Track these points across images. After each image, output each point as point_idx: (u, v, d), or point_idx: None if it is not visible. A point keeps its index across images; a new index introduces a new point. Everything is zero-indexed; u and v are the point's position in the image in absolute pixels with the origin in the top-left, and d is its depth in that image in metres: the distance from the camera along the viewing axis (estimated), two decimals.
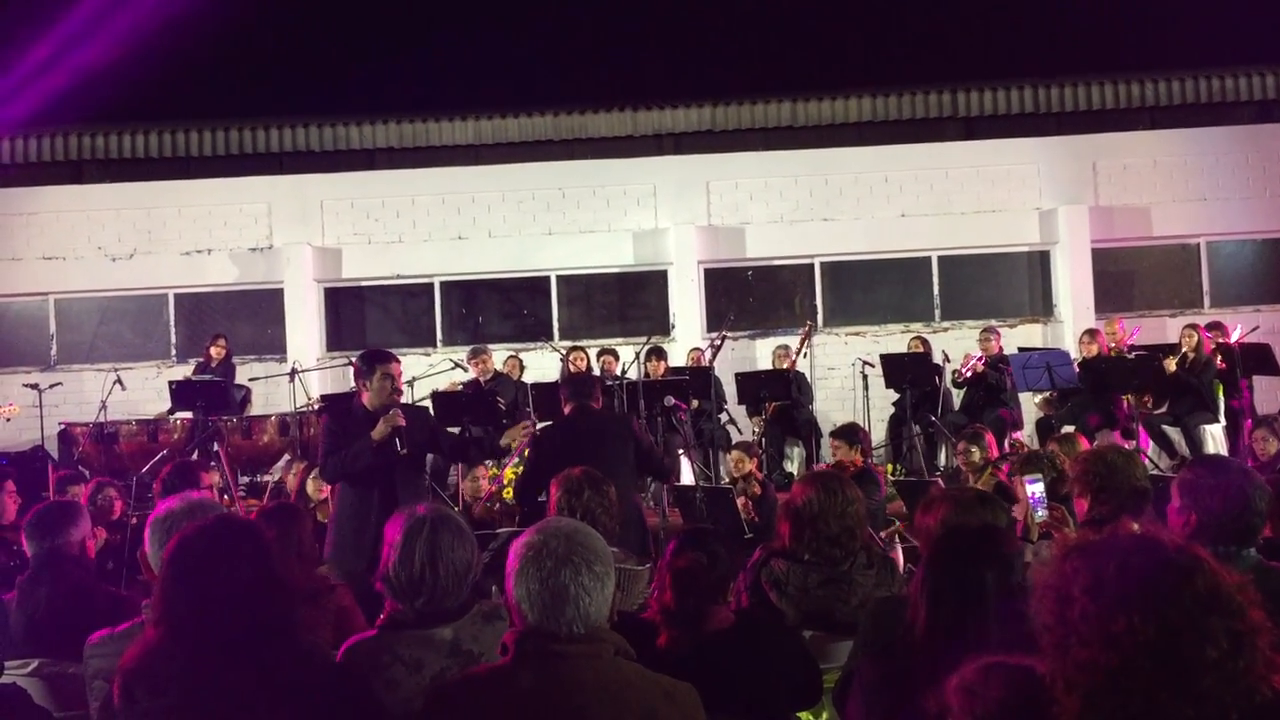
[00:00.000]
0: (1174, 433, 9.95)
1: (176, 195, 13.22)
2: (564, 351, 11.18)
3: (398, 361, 5.78)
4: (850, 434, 7.02)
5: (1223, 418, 10.02)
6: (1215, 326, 10.83)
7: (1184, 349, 10.16)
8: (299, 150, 13.96)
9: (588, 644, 2.39)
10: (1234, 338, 10.41)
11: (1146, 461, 8.42)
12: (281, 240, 13.11)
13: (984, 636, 2.40)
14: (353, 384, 6.00)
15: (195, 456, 9.79)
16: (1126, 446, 7.59)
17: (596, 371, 10.85)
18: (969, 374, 10.71)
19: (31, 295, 13.20)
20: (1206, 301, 13.06)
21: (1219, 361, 10.12)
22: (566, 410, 6.18)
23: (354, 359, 6.07)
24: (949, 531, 2.99)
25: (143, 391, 12.31)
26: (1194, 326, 10.38)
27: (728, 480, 8.56)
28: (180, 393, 10.51)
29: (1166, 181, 13.05)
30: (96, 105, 13.16)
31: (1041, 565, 1.77)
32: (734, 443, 9.66)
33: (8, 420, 10.81)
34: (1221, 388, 10.11)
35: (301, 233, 13.10)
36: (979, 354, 10.85)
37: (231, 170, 13.65)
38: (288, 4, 14.11)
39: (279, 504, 5.16)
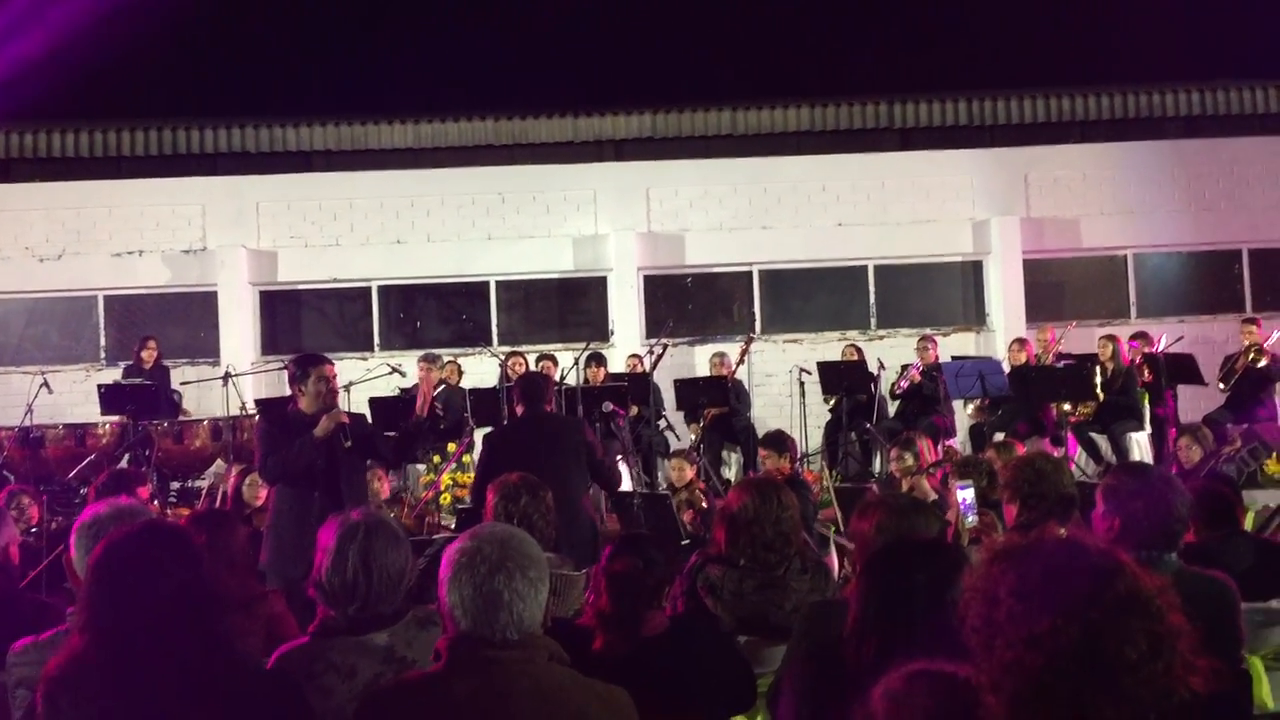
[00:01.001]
0: (1101, 440, 10.16)
1: (107, 195, 12.96)
2: (503, 357, 11.14)
3: (331, 364, 5.73)
4: (778, 442, 7.08)
5: (1148, 425, 10.25)
6: (1141, 336, 11.06)
7: (1101, 359, 10.38)
8: (234, 151, 13.77)
9: (521, 649, 2.40)
10: (1159, 348, 10.66)
11: (1074, 468, 8.60)
12: (215, 242, 12.91)
13: (916, 644, 2.43)
14: (288, 389, 5.92)
15: (126, 461, 9.62)
16: (1055, 453, 7.74)
17: None
18: (906, 385, 10.85)
19: None
20: (1133, 312, 13.35)
21: (1145, 371, 10.35)
22: (519, 411, 6.16)
23: (288, 363, 6.00)
24: (888, 540, 3.03)
25: (71, 395, 12.04)
26: (1110, 337, 10.60)
27: (666, 487, 8.58)
28: (110, 396, 10.30)
29: (1096, 194, 13.33)
30: (25, 102, 12.86)
31: (970, 569, 1.81)
32: (672, 450, 9.69)
33: None
34: (1147, 396, 10.35)
35: (236, 235, 12.91)
36: (916, 363, 10.98)
37: (164, 170, 13.42)
38: (224, 3, 13.92)
39: (209, 509, 5.08)
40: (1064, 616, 1.63)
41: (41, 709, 2.40)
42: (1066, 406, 9.99)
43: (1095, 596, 1.64)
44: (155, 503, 7.91)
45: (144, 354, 11.40)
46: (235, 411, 10.60)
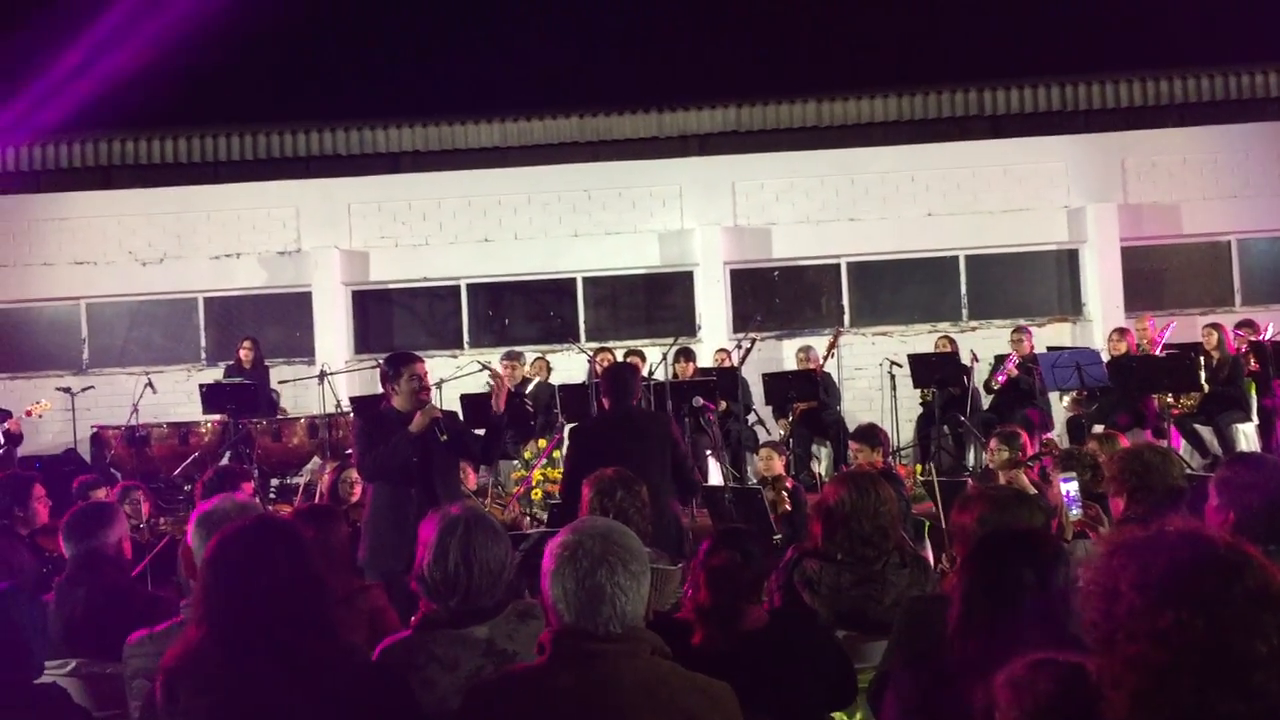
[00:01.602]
0: (1206, 431, 9.86)
1: (205, 200, 13.31)
2: (591, 353, 11.19)
3: (421, 361, 5.80)
4: (870, 435, 6.98)
5: (1255, 416, 9.93)
6: (1247, 324, 10.73)
7: (1206, 348, 10.07)
8: (326, 154, 14.05)
9: (625, 643, 2.40)
10: (1266, 335, 10.31)
11: None
12: (309, 244, 13.18)
13: (1020, 636, 2.39)
14: (380, 387, 6.02)
15: (227, 459, 9.88)
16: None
17: None
18: (1004, 378, 10.62)
19: (63, 300, 13.31)
20: (1238, 299, 12.93)
21: (1252, 361, 10.02)
22: (606, 405, 6.14)
23: (380, 362, 6.09)
24: (987, 532, 2.98)
25: (173, 395, 12.40)
26: (1215, 325, 10.27)
27: (756, 481, 8.53)
28: (211, 396, 10.59)
29: (1196, 179, 12.93)
30: (126, 111, 13.29)
31: (1087, 561, 1.76)
32: (761, 442, 9.63)
33: (39, 417, 10.92)
34: (1254, 386, 10.02)
35: (329, 236, 13.17)
36: (1011, 356, 10.75)
37: (259, 174, 13.74)
38: (314, 9, 14.20)
39: (314, 505, 5.18)
40: (1189, 610, 1.57)
41: (160, 699, 2.47)
42: (1169, 399, 9.71)
43: (1222, 590, 1.59)
44: (257, 499, 8.09)
45: (243, 354, 11.71)
46: (330, 409, 10.82)
